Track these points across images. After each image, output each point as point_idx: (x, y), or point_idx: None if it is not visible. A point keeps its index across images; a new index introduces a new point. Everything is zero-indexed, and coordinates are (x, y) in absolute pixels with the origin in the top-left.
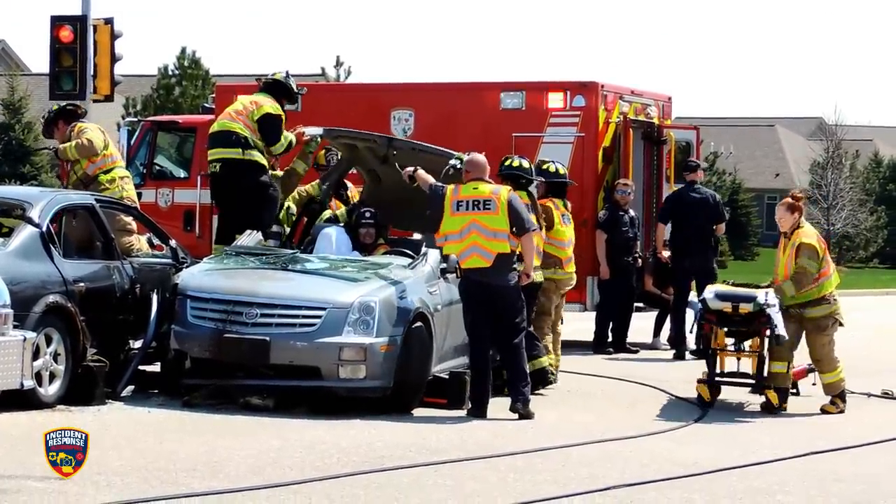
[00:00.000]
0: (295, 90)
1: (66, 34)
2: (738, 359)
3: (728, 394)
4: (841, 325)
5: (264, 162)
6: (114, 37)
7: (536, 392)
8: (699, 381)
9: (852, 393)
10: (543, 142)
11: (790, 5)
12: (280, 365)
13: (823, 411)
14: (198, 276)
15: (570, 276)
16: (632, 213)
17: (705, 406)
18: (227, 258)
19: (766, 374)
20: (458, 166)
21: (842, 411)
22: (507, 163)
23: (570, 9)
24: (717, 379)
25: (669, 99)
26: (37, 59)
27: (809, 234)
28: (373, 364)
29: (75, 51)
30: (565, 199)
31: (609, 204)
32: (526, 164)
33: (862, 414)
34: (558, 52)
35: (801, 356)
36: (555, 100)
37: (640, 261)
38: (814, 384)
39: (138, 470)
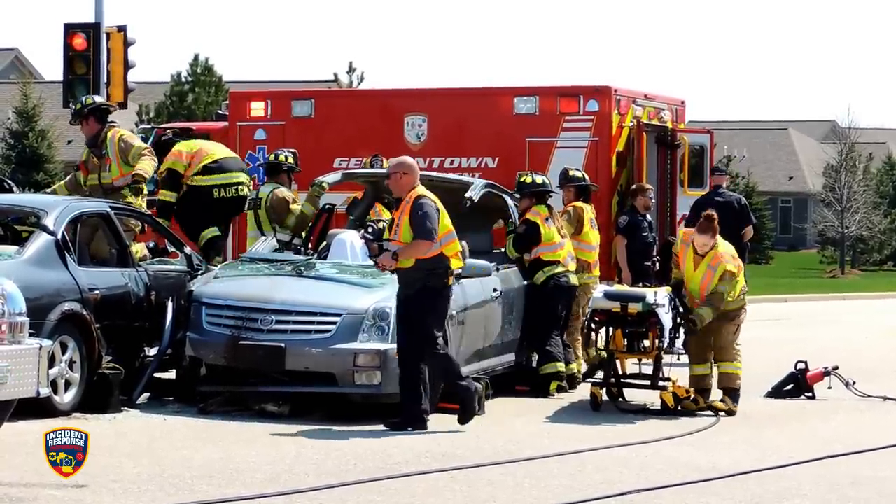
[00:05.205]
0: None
1: (79, 42)
2: (639, 360)
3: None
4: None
5: None
6: (127, 44)
7: (551, 394)
8: (593, 384)
9: (868, 396)
10: (557, 146)
11: (803, 9)
12: (295, 371)
13: (714, 409)
14: (213, 283)
15: (597, 279)
16: (649, 217)
17: (596, 409)
18: (242, 265)
19: (663, 375)
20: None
21: (731, 412)
22: (526, 180)
23: (582, 14)
24: (612, 381)
25: (683, 103)
26: (50, 66)
27: (727, 257)
28: (388, 370)
29: (89, 58)
30: (590, 204)
31: (629, 208)
32: (543, 178)
33: (878, 417)
34: (571, 57)
35: (819, 360)
36: (568, 104)
37: (657, 265)
38: (829, 388)
39: (154, 477)
